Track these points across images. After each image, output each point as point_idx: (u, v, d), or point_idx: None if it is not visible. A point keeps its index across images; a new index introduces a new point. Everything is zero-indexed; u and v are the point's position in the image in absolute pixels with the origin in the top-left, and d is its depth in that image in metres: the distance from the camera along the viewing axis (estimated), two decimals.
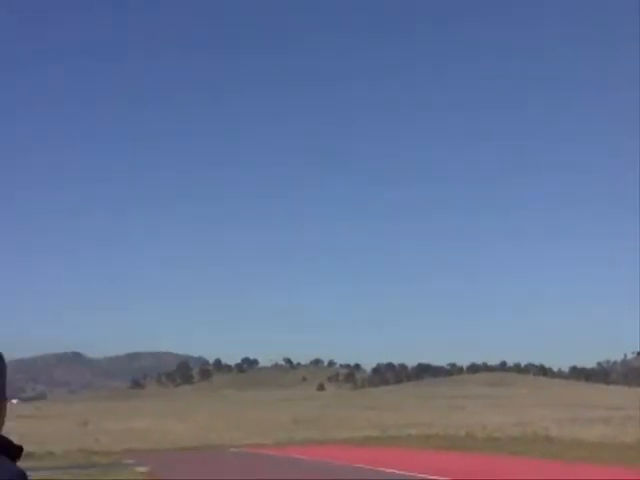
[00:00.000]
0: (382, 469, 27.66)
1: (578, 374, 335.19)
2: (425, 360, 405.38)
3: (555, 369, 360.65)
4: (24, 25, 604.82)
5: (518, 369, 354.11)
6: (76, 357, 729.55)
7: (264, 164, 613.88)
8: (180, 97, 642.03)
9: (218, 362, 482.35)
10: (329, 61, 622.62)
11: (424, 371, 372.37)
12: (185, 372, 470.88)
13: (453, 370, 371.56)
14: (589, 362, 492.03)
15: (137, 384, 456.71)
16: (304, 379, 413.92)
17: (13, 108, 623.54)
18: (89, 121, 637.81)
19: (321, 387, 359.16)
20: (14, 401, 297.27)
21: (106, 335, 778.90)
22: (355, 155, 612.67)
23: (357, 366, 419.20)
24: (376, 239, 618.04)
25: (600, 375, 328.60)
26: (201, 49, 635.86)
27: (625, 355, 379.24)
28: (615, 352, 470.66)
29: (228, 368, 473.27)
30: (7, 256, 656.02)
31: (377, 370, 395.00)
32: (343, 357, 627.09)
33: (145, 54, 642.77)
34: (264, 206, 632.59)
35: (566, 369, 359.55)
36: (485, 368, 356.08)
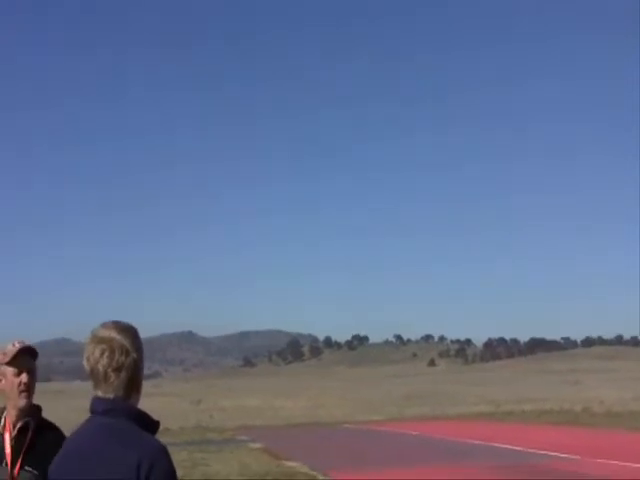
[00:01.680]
0: (496, 445, 27.28)
1: None
2: (538, 334, 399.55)
3: None
4: None
5: (635, 342, 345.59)
6: (190, 336, 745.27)
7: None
8: None
9: (328, 339, 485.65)
10: None
11: (537, 345, 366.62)
12: (295, 350, 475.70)
13: (567, 344, 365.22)
14: None
15: (249, 362, 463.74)
16: (415, 355, 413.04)
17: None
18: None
19: (432, 363, 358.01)
20: None
21: (219, 314, 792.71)
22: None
23: (468, 341, 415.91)
24: (486, 214, 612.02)
25: None
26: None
27: None
28: None
29: (338, 345, 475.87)
30: (123, 243, 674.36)
31: (489, 345, 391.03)
32: (454, 332, 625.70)
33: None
34: (369, 186, 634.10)
35: None
36: (600, 342, 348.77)
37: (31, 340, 4.38)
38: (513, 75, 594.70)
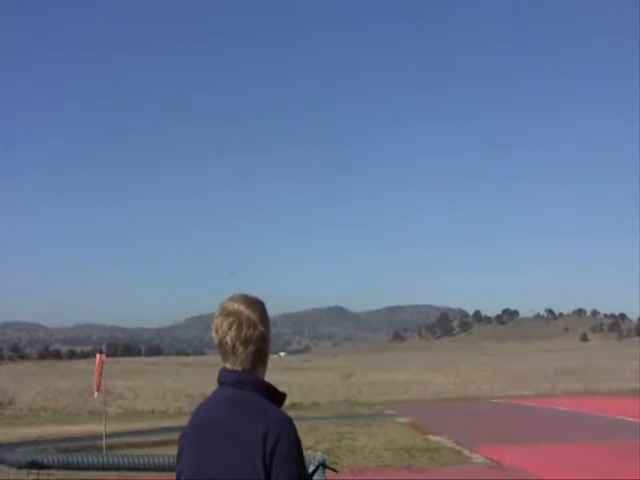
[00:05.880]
0: None
1: None
2: None
3: None
4: None
5: None
6: (339, 311, 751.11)
7: None
8: None
9: (478, 314, 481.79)
10: None
11: None
12: (445, 324, 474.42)
13: None
14: None
15: (398, 336, 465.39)
16: (566, 330, 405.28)
17: None
18: None
19: (584, 337, 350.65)
20: (282, 354, 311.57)
21: (368, 289, 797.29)
22: None
23: (622, 316, 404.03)
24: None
25: None
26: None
27: None
28: None
29: (488, 319, 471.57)
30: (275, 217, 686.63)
31: None
32: (607, 306, 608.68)
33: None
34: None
35: None
36: None
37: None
38: None
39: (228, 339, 2.96)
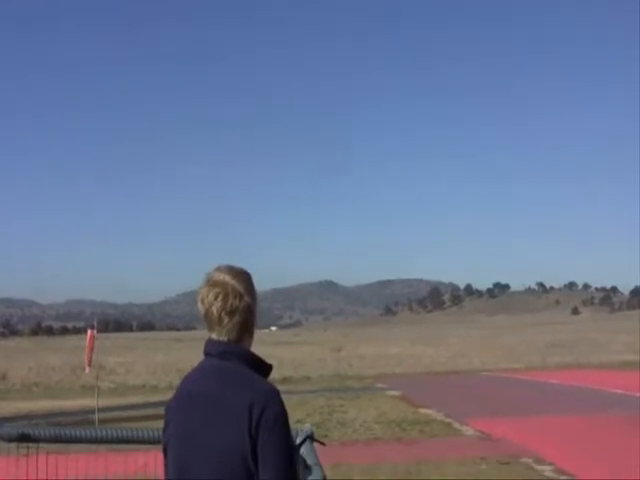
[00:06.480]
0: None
1: None
2: None
3: None
4: None
5: None
6: (330, 285, 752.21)
7: None
8: None
9: (469, 287, 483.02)
10: None
11: None
12: (436, 298, 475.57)
13: None
14: None
15: (389, 310, 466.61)
16: (557, 303, 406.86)
17: None
18: None
19: (575, 311, 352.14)
20: (273, 328, 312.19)
21: (358, 263, 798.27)
22: None
23: (614, 289, 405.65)
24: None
25: None
26: None
27: None
28: None
29: (479, 293, 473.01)
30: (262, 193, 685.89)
31: (636, 292, 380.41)
32: (599, 280, 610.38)
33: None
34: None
35: None
36: None
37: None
38: None
39: (214, 309, 2.92)
